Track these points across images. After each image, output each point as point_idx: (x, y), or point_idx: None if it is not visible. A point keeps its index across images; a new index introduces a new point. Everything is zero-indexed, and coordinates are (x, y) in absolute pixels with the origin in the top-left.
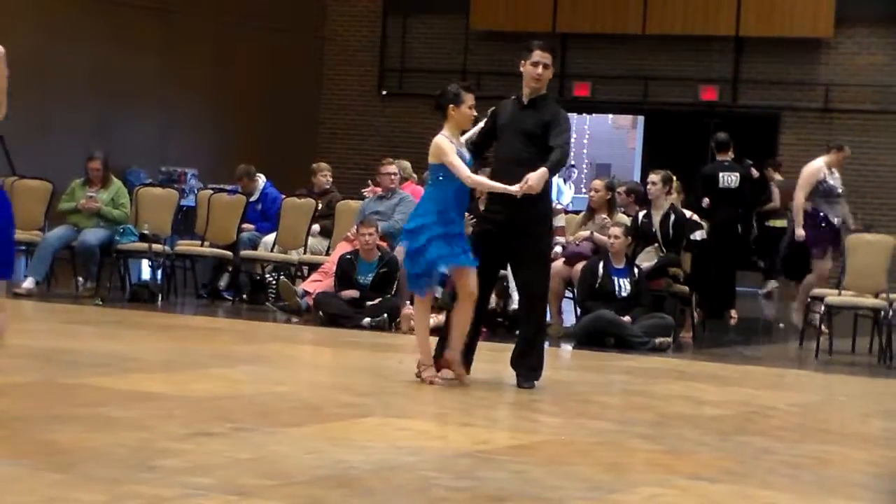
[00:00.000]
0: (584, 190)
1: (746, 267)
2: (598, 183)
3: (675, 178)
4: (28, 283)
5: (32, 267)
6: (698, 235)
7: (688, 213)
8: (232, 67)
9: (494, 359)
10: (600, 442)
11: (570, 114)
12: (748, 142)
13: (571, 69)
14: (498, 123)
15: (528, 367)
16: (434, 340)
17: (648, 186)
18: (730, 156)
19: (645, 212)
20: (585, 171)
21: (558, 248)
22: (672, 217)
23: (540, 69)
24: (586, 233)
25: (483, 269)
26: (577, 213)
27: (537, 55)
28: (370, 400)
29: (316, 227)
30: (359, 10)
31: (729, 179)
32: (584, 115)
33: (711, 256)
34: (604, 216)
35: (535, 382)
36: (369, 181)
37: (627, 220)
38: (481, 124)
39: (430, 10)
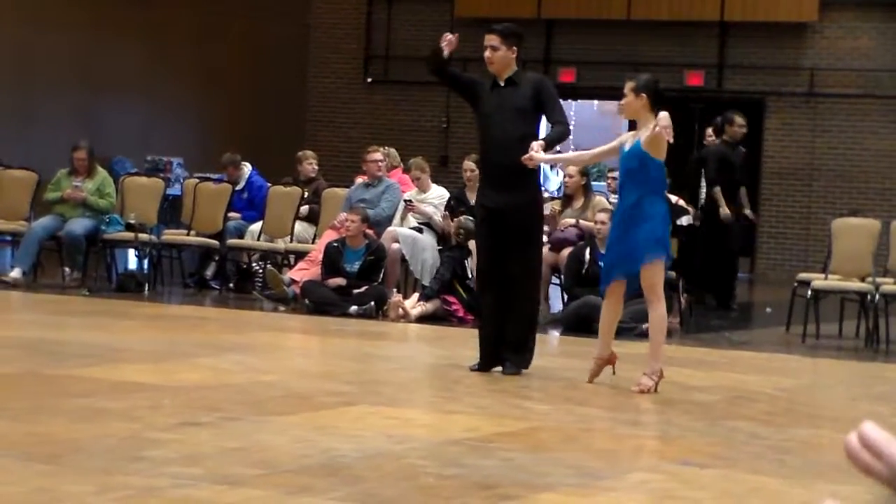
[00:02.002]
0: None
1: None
2: (572, 169)
3: None
4: (15, 273)
5: (19, 257)
6: (684, 221)
7: (673, 199)
8: (217, 56)
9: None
10: (589, 428)
11: None
12: None
13: (557, 55)
14: (481, 111)
15: (515, 354)
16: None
17: None
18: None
19: None
20: None
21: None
22: None
23: (487, 52)
24: (572, 220)
25: (495, 251)
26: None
27: (485, 40)
28: (358, 388)
29: (304, 209)
30: None
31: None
32: (569, 100)
33: (701, 242)
34: (581, 201)
35: (523, 370)
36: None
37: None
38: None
39: None
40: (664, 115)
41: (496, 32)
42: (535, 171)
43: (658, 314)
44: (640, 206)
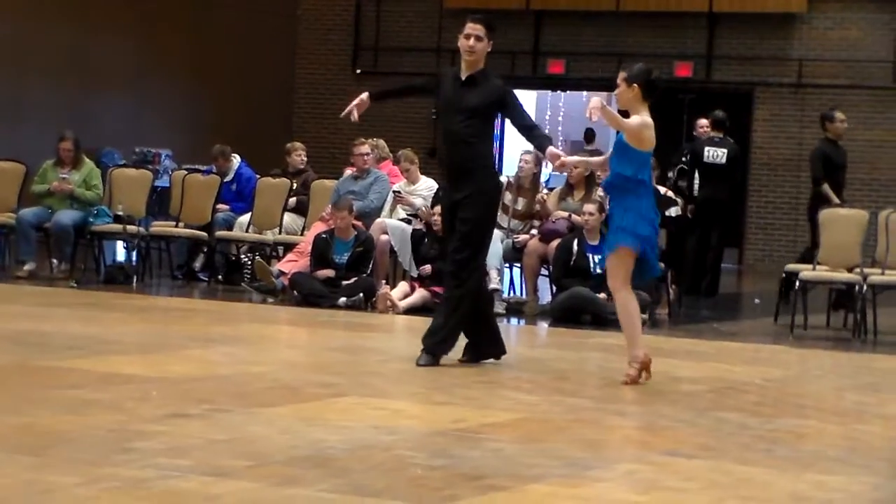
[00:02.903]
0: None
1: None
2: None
3: None
4: (29, 267)
5: (23, 251)
6: (673, 212)
7: (662, 190)
8: (205, 47)
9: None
10: (577, 419)
11: (544, 91)
12: None
13: (545, 46)
14: (437, 106)
15: (431, 342)
16: (409, 319)
17: None
18: (722, 134)
19: None
20: (561, 147)
21: (534, 231)
22: None
23: (472, 41)
24: (564, 213)
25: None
26: (550, 189)
27: (468, 27)
28: (346, 380)
29: (293, 201)
30: None
31: (715, 155)
32: (558, 92)
33: (689, 233)
34: (582, 192)
35: (432, 359)
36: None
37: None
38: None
39: None
40: (595, 99)
41: (483, 22)
42: (488, 166)
43: (622, 301)
44: (625, 193)
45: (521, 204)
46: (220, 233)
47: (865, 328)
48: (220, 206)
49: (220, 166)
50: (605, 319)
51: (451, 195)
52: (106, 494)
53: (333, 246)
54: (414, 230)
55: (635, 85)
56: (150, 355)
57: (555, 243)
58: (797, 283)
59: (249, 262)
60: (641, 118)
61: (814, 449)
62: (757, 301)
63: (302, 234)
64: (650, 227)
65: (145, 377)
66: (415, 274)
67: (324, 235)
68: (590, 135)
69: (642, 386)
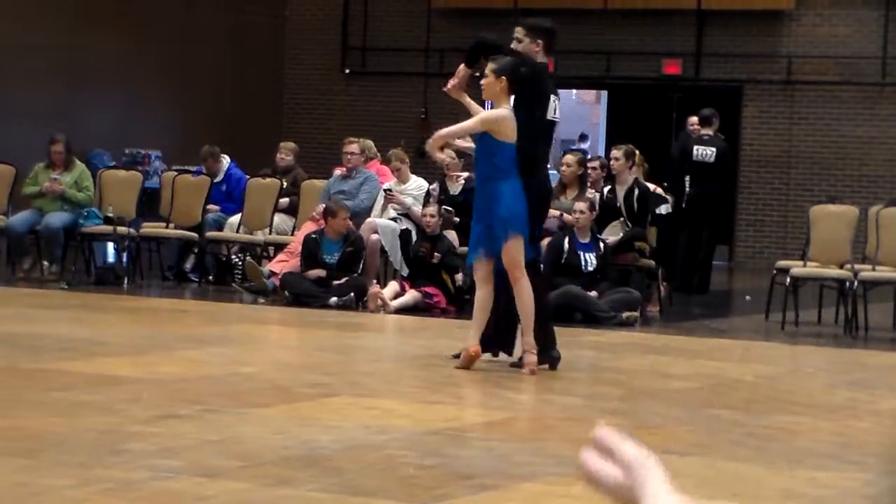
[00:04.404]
0: (549, 165)
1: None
2: (570, 158)
3: (637, 151)
4: (27, 264)
5: (15, 253)
6: (663, 209)
7: (651, 187)
8: (194, 47)
9: (463, 336)
10: (569, 417)
11: None
12: None
13: None
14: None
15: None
16: (400, 319)
17: (611, 162)
18: (711, 131)
19: (609, 187)
20: (552, 145)
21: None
22: (636, 191)
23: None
24: (556, 212)
25: None
26: None
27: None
28: (338, 379)
29: (284, 202)
30: None
31: (704, 153)
32: None
33: (679, 230)
34: (576, 191)
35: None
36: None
37: (594, 196)
38: None
39: None
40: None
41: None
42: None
43: (521, 287)
44: (493, 184)
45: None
46: (211, 233)
47: (857, 324)
48: (210, 206)
49: (210, 167)
50: (596, 317)
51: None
52: (98, 496)
53: (323, 246)
54: (402, 230)
55: (503, 77)
56: (140, 356)
57: (545, 241)
58: (788, 280)
59: (240, 263)
60: (499, 111)
61: (806, 445)
62: (748, 298)
63: (292, 235)
64: (522, 209)
65: (136, 378)
66: (405, 273)
67: (313, 235)
68: (582, 135)
69: (634, 384)
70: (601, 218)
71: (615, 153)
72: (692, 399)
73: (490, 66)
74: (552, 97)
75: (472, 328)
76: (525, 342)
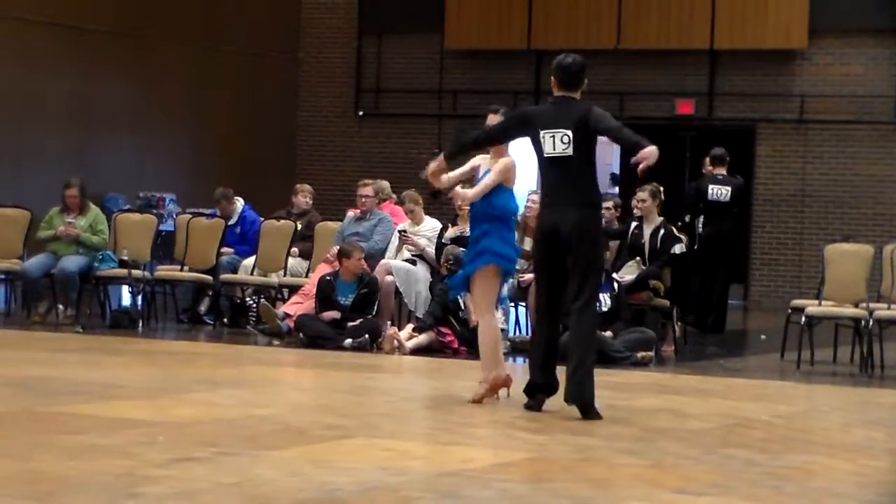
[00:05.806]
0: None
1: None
2: (642, 195)
3: (661, 188)
4: (42, 309)
5: (35, 306)
6: (677, 249)
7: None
8: (207, 91)
9: (476, 377)
10: (585, 458)
11: None
12: None
13: (547, 85)
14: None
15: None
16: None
17: (637, 203)
18: (724, 170)
19: (637, 224)
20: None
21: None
22: (662, 231)
23: None
24: None
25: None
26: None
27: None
28: (353, 421)
29: (295, 251)
30: (333, 32)
31: (719, 193)
32: None
33: (694, 270)
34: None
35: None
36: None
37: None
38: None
39: (405, 30)
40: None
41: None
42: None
43: (492, 325)
44: (487, 222)
45: (527, 243)
46: (225, 276)
47: (872, 363)
48: (224, 249)
49: (224, 209)
50: (610, 357)
51: None
52: None
53: (337, 287)
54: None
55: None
56: (156, 399)
57: None
58: (803, 319)
59: (255, 305)
60: (506, 163)
61: (822, 485)
62: (763, 337)
63: (306, 276)
64: (511, 250)
65: (151, 421)
66: (420, 314)
67: (328, 277)
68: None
69: (649, 424)
70: (624, 253)
71: (640, 195)
72: (708, 439)
73: (500, 110)
74: (543, 132)
75: (482, 363)
76: (483, 376)
